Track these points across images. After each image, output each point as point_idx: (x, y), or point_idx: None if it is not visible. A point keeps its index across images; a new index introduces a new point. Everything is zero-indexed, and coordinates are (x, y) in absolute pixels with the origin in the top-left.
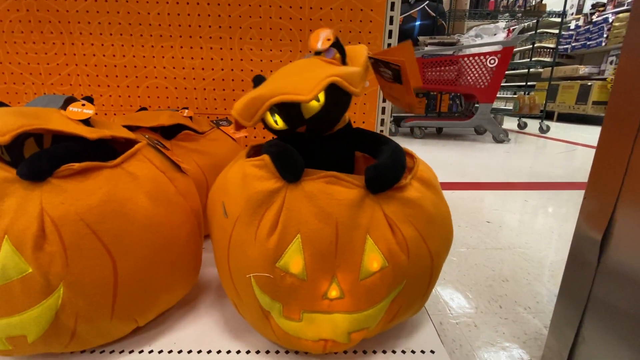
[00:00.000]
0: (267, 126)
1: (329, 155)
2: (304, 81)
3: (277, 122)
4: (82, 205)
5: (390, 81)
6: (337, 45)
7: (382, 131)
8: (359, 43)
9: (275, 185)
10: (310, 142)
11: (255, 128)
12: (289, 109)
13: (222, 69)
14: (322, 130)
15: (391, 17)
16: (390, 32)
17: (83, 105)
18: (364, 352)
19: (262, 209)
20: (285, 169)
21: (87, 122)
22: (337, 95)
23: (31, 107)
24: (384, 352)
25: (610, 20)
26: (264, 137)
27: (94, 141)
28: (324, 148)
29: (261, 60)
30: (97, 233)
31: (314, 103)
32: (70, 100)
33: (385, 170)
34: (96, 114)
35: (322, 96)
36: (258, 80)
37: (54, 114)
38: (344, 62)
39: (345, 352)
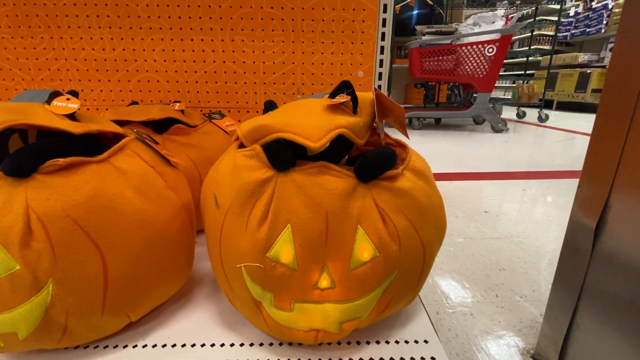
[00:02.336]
0: None
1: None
2: (314, 127)
3: None
4: (68, 201)
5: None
6: (352, 95)
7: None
8: (352, 32)
9: (266, 175)
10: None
11: None
12: (294, 145)
13: (214, 61)
14: None
15: (385, 5)
16: (384, 20)
17: (68, 99)
18: (358, 342)
19: (252, 199)
20: (275, 158)
21: (72, 116)
22: (342, 142)
23: (16, 102)
24: (378, 342)
25: (610, 6)
26: None
27: (79, 136)
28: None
29: (253, 52)
30: (85, 229)
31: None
32: (55, 95)
33: (374, 157)
34: (88, 109)
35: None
36: (269, 106)
37: (38, 109)
38: (354, 111)
39: (339, 342)
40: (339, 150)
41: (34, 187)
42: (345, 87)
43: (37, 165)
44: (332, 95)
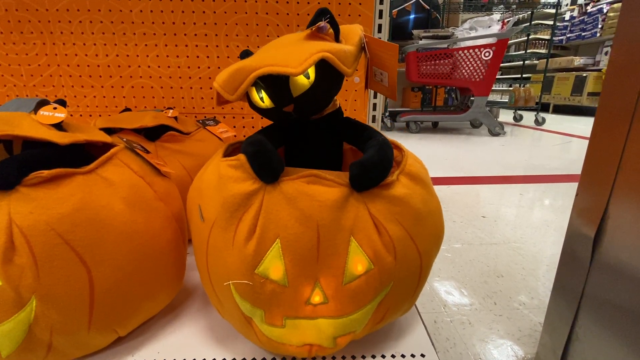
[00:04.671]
0: (252, 104)
1: (316, 140)
2: (293, 54)
3: (263, 99)
4: (52, 214)
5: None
6: (331, 21)
7: None
8: None
9: (252, 187)
10: (298, 126)
11: (244, 127)
12: (276, 85)
13: (209, 67)
14: (311, 112)
15: (380, 11)
16: (380, 26)
17: (55, 108)
18: (353, 357)
19: (239, 213)
20: (262, 169)
21: (59, 126)
22: (328, 73)
23: (1, 112)
24: (373, 356)
25: (605, 10)
26: None
27: (66, 146)
28: (312, 132)
29: None
30: (70, 243)
31: (303, 80)
32: (42, 104)
33: (371, 167)
34: (81, 115)
35: (312, 73)
36: (245, 55)
37: (24, 119)
38: (337, 39)
39: (333, 357)
40: (327, 84)
41: (17, 200)
42: (322, 14)
43: (20, 178)
44: (310, 25)
